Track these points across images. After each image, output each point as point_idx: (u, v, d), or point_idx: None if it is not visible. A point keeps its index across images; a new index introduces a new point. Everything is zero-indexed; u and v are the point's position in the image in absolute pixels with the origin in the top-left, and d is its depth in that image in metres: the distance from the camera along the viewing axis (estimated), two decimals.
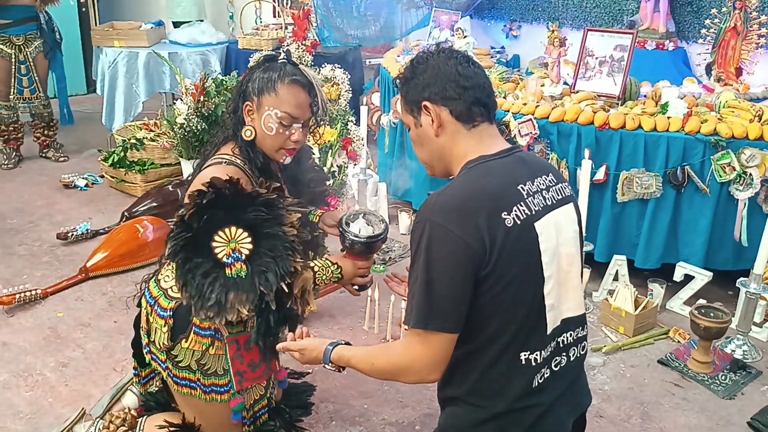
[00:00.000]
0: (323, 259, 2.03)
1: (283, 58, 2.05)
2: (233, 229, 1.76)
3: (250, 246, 1.76)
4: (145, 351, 2.12)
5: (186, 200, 1.77)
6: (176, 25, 6.81)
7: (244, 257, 1.75)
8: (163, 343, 2.00)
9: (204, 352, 1.98)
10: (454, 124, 1.59)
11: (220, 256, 1.75)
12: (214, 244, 1.75)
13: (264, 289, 1.77)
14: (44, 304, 3.33)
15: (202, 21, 6.44)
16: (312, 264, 1.96)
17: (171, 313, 1.99)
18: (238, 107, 2.03)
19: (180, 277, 1.76)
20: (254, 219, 1.77)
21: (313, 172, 2.37)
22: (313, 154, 2.47)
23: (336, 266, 2.00)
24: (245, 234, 1.76)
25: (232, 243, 1.76)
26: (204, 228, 1.75)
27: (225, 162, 1.98)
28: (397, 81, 1.69)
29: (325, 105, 2.08)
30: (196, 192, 1.74)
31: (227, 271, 1.75)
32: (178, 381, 2.03)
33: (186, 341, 1.98)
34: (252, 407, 2.17)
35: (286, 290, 1.81)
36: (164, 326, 2.00)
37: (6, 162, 5.16)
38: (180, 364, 2.00)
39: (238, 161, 2.01)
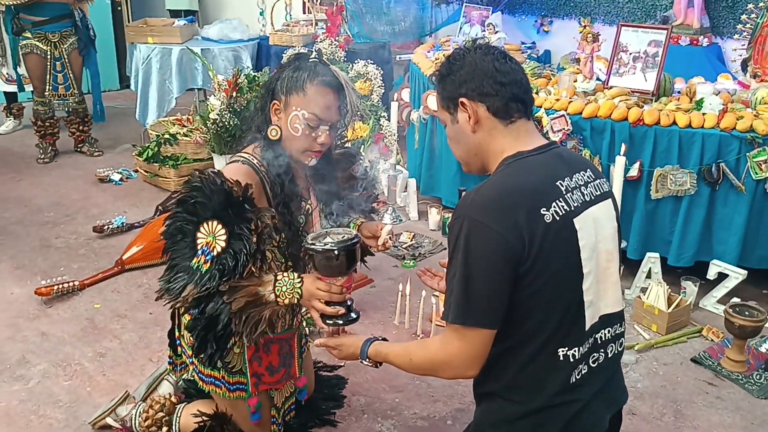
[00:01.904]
0: (292, 272, 1.87)
1: (314, 58, 1.99)
2: (216, 223, 1.78)
3: (223, 244, 1.77)
4: (177, 342, 2.17)
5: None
6: (172, 13, 6.95)
7: (213, 254, 1.76)
8: (190, 339, 2.03)
9: (228, 351, 2.00)
10: (491, 121, 1.59)
11: (198, 244, 1.79)
12: (199, 233, 1.79)
13: (211, 287, 1.76)
14: (81, 295, 3.40)
15: (195, 11, 6.74)
16: (278, 273, 1.84)
17: (198, 310, 2.02)
18: (266, 105, 1.98)
19: (164, 255, 1.84)
20: (230, 217, 1.78)
21: (362, 177, 2.20)
22: (362, 157, 2.29)
23: (299, 280, 1.82)
24: (223, 232, 1.77)
25: (210, 237, 1.79)
26: (192, 214, 1.81)
27: (242, 161, 1.96)
28: (434, 77, 1.69)
29: (356, 107, 2.01)
30: (188, 180, 1.82)
31: (193, 260, 1.78)
32: (204, 378, 2.07)
33: None
34: (283, 405, 2.20)
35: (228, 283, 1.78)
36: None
37: (42, 156, 5.27)
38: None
39: (255, 161, 1.96)
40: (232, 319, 1.82)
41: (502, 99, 1.57)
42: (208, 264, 1.76)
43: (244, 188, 1.79)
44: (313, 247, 1.76)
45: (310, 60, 1.97)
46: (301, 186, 2.04)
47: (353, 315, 1.84)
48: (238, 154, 2.01)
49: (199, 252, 1.78)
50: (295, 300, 1.82)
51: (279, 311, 1.84)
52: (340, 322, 1.81)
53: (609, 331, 1.63)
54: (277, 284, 1.81)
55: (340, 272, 1.79)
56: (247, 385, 2.05)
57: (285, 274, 1.84)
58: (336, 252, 1.74)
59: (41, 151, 5.29)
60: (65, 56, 5.11)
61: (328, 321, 1.81)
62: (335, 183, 2.11)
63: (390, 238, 2.04)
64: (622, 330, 1.68)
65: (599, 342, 1.61)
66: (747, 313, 2.83)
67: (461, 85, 1.59)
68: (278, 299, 1.81)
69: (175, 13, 7.07)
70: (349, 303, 1.83)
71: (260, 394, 2.09)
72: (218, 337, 1.85)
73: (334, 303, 1.80)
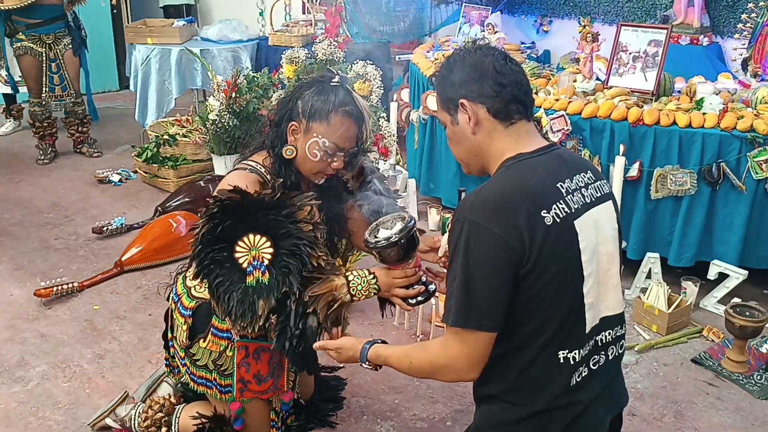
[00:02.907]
0: (361, 269, 1.90)
1: (337, 82, 1.96)
2: (252, 236, 1.77)
3: (270, 251, 1.76)
4: (169, 345, 2.17)
5: (198, 216, 1.81)
6: (166, 10, 6.95)
7: (266, 264, 1.76)
8: (183, 341, 2.04)
9: (221, 353, 2.01)
10: (492, 122, 1.58)
11: (243, 265, 1.76)
12: (237, 254, 1.77)
13: (287, 288, 1.76)
14: (80, 297, 3.39)
15: (192, 5, 6.67)
16: (347, 273, 1.86)
17: (191, 312, 2.03)
18: (281, 123, 1.97)
19: (212, 296, 1.80)
20: (267, 222, 1.78)
21: (384, 195, 2.10)
22: (381, 175, 2.24)
23: (372, 276, 1.85)
24: (264, 239, 1.77)
25: (253, 250, 1.77)
26: (220, 241, 1.78)
27: (249, 169, 1.96)
28: (434, 78, 1.69)
29: (370, 134, 2.02)
30: (205, 209, 1.77)
31: (248, 279, 1.76)
32: (195, 379, 2.07)
33: (204, 341, 2.02)
34: (281, 409, 2.19)
35: (306, 293, 1.78)
36: (184, 324, 2.04)
37: (42, 157, 5.26)
38: (197, 363, 2.04)
39: (263, 170, 1.96)
40: (318, 324, 1.80)
41: (503, 100, 1.56)
42: (267, 274, 1.75)
43: (272, 186, 1.79)
44: (377, 243, 1.79)
45: (333, 83, 1.95)
46: None
47: (432, 288, 1.91)
48: (246, 162, 2.00)
49: (250, 269, 1.76)
50: (372, 295, 1.86)
51: (348, 306, 1.86)
52: (422, 299, 1.89)
53: (609, 333, 1.62)
54: (350, 284, 1.83)
55: (408, 257, 1.85)
56: (232, 387, 2.05)
57: (355, 273, 1.85)
58: (402, 241, 1.79)
59: (41, 152, 5.29)
60: (60, 57, 5.10)
61: (411, 302, 1.89)
62: (339, 198, 2.13)
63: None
64: (623, 332, 1.68)
65: (600, 344, 1.60)
66: (747, 313, 2.83)
67: (461, 86, 1.59)
68: (354, 298, 1.84)
69: (169, 10, 7.07)
70: (423, 279, 1.90)
71: (250, 401, 2.08)
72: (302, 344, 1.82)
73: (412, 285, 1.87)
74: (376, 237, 1.81)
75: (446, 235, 2.04)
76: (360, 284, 1.84)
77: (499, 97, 1.56)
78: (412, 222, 1.82)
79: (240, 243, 1.77)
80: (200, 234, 1.78)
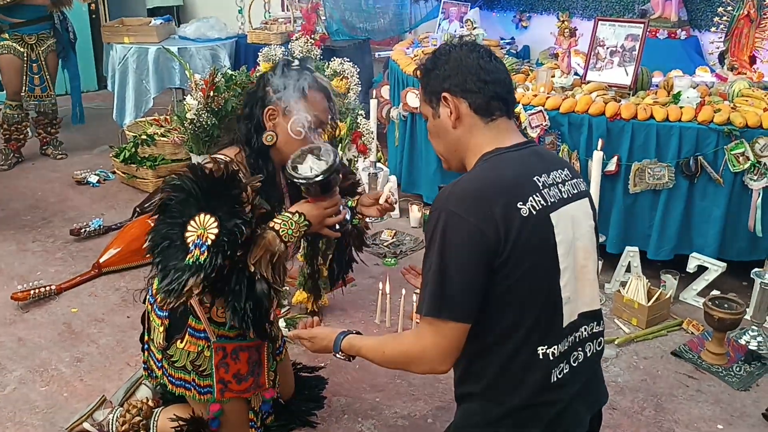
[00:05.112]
0: (282, 213, 1.91)
1: (298, 65, 2.00)
2: (204, 216, 1.76)
3: (216, 231, 1.75)
4: (144, 348, 2.15)
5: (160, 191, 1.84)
6: (150, 12, 6.89)
7: (207, 244, 1.74)
8: (160, 343, 2.02)
9: (199, 354, 2.00)
10: (472, 117, 1.59)
11: (188, 241, 1.76)
12: (188, 232, 1.76)
13: (216, 265, 1.74)
14: (58, 299, 3.35)
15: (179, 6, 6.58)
16: (271, 223, 1.86)
17: (167, 313, 2.01)
18: (254, 113, 1.98)
19: (156, 270, 1.80)
20: (217, 201, 1.78)
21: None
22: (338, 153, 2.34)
23: (298, 215, 1.87)
24: (213, 220, 1.76)
25: (200, 229, 1.76)
26: (174, 216, 1.79)
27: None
28: (418, 71, 1.69)
29: (336, 111, 2.07)
30: (163, 182, 1.81)
31: (188, 257, 1.74)
32: (174, 381, 2.05)
33: (181, 342, 2.00)
34: (261, 409, 2.18)
35: (248, 262, 1.79)
36: (161, 326, 2.02)
37: (2, 163, 5.12)
38: (176, 364, 2.02)
39: (234, 165, 1.94)
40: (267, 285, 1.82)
41: (484, 97, 1.58)
42: (205, 254, 1.73)
43: (224, 164, 1.79)
44: (307, 178, 1.83)
45: (294, 67, 1.98)
46: (279, 193, 2.06)
47: (349, 215, 2.00)
48: (215, 155, 1.96)
49: (192, 247, 1.74)
50: (303, 232, 1.88)
51: (287, 254, 1.89)
52: (348, 220, 1.99)
53: (586, 329, 1.62)
54: (280, 233, 1.84)
55: (334, 187, 1.91)
56: (212, 388, 2.03)
57: (279, 220, 1.86)
58: (330, 176, 1.85)
59: (3, 156, 5.14)
60: (42, 58, 5.04)
61: (339, 228, 1.96)
62: None
63: (392, 194, 2.12)
64: (601, 329, 1.68)
65: (578, 340, 1.60)
66: (726, 305, 2.85)
67: (445, 80, 1.60)
68: (287, 244, 1.85)
69: (160, 12, 7.01)
70: (343, 203, 1.99)
71: (229, 401, 2.07)
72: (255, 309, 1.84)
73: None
74: (302, 170, 1.86)
75: (388, 184, 2.10)
76: (289, 228, 1.85)
77: (481, 93, 1.57)
78: (335, 154, 1.88)
79: (192, 222, 1.77)
80: (157, 206, 1.81)
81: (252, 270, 1.80)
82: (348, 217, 1.97)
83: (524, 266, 1.47)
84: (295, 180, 1.86)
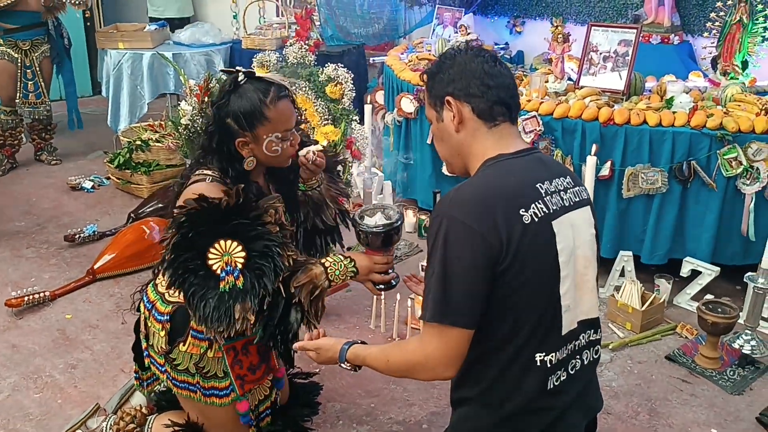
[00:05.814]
0: (335, 255, 1.97)
1: (243, 77, 1.94)
2: (223, 242, 1.77)
3: (243, 255, 1.77)
4: (144, 355, 2.14)
5: (166, 229, 1.81)
6: (152, 20, 6.89)
7: (239, 268, 1.76)
8: (161, 347, 2.02)
9: (202, 355, 1.99)
10: (475, 122, 1.60)
11: (216, 271, 1.76)
12: (210, 261, 1.77)
13: (263, 291, 1.77)
14: (52, 306, 3.34)
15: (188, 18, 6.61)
16: (323, 260, 1.91)
17: (168, 317, 2.01)
18: (224, 147, 1.94)
19: (188, 305, 1.80)
20: (236, 227, 1.78)
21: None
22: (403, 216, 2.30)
23: (349, 260, 1.93)
24: (236, 244, 1.77)
25: (225, 256, 1.77)
26: (191, 249, 1.78)
27: (210, 179, 1.95)
28: (424, 75, 1.71)
29: (295, 94, 2.08)
30: (173, 220, 1.77)
31: (221, 284, 1.76)
32: (178, 384, 2.05)
33: (184, 345, 2.00)
34: (257, 408, 2.18)
35: (283, 289, 1.81)
36: (162, 330, 2.02)
37: None
38: (179, 368, 2.02)
39: (220, 180, 1.96)
40: (302, 314, 1.85)
41: (488, 101, 1.59)
42: (241, 279, 1.76)
43: (235, 193, 1.78)
44: (372, 227, 1.93)
45: (239, 81, 1.93)
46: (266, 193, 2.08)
47: (395, 281, 2.04)
48: (202, 173, 1.97)
49: (223, 275, 1.76)
50: (348, 279, 1.94)
51: (325, 292, 1.92)
52: (394, 284, 2.02)
53: (584, 337, 1.63)
54: (328, 271, 1.89)
55: (391, 245, 1.99)
56: (230, 387, 2.03)
57: (331, 260, 1.92)
58: (392, 232, 1.94)
59: None
60: (36, 64, 5.04)
61: (381, 287, 2.01)
62: (294, 187, 2.21)
63: (314, 153, 2.11)
64: (598, 337, 1.69)
65: (576, 348, 1.61)
66: (720, 310, 2.85)
67: (449, 83, 1.61)
68: (332, 284, 1.90)
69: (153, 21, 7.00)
70: (393, 268, 2.04)
71: (248, 395, 2.09)
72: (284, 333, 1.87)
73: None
74: (367, 221, 1.95)
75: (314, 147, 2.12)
76: (337, 269, 1.90)
77: (484, 98, 1.58)
78: (400, 218, 1.98)
79: (212, 249, 1.77)
80: (170, 244, 1.77)
81: (293, 292, 1.82)
82: (394, 282, 2.01)
83: (525, 273, 1.48)
84: (358, 228, 1.95)
